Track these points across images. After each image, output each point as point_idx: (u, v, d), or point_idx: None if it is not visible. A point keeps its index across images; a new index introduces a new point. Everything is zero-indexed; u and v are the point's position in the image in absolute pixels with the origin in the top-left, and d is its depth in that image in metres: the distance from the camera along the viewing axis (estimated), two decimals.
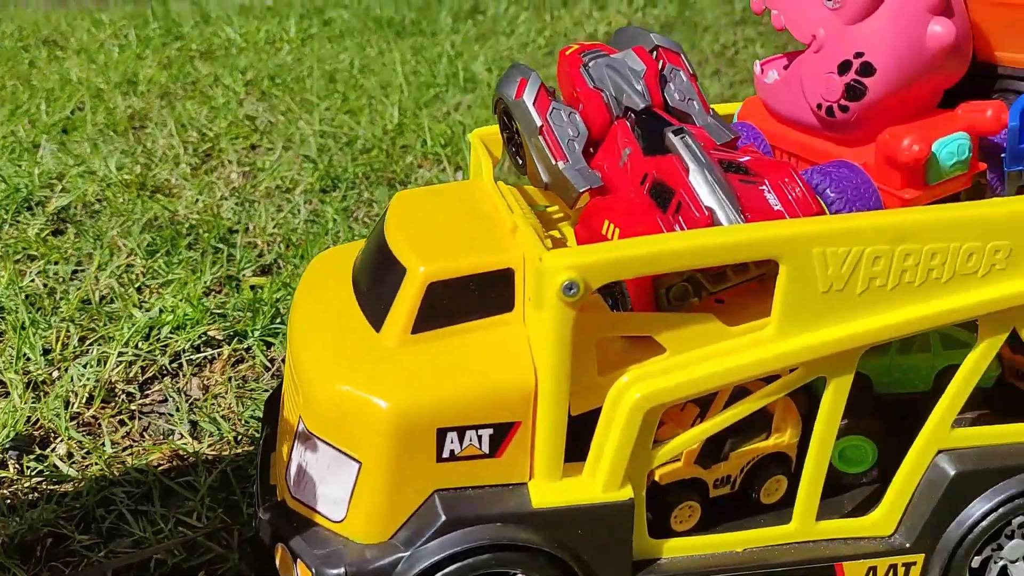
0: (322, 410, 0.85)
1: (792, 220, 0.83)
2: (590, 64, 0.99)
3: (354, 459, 0.83)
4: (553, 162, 0.95)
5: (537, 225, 0.92)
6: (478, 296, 0.86)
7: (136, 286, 1.60)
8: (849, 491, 1.01)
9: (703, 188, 0.85)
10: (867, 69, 0.89)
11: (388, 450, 0.82)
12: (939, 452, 0.94)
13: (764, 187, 0.86)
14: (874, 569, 0.95)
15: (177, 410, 1.33)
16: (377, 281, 0.91)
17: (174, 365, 1.43)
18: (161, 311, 1.51)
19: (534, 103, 0.97)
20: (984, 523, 0.94)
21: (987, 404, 1.02)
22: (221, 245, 1.73)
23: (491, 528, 0.83)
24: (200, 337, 1.47)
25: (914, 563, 0.95)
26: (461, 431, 0.82)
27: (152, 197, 1.94)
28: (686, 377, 0.84)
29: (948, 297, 0.86)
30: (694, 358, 0.85)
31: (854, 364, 0.87)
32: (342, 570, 0.82)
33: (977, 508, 0.93)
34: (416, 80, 2.71)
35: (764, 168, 0.88)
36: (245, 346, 1.47)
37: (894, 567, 0.95)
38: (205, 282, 1.60)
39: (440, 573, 0.83)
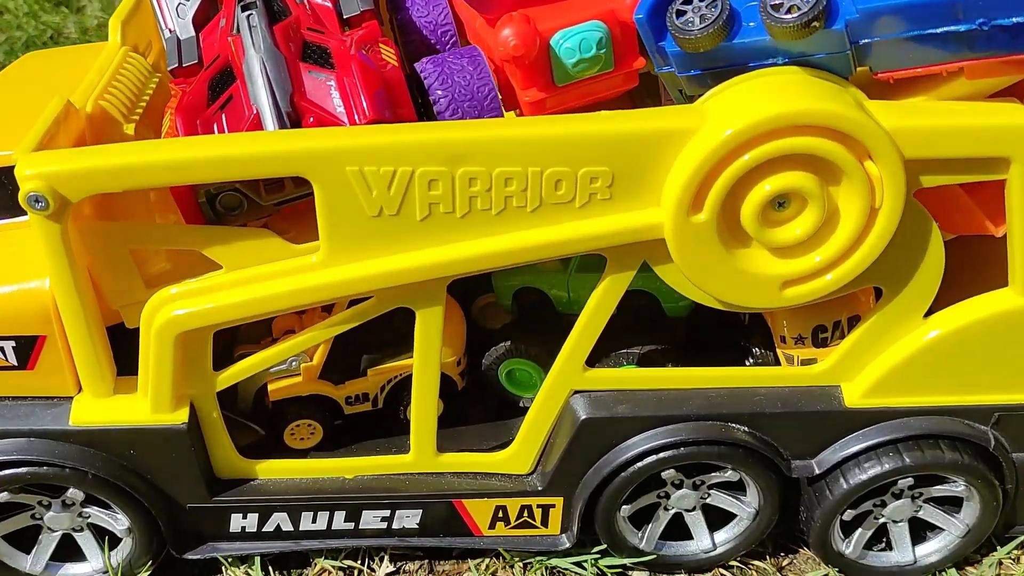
0: None
1: (320, 131, 0.69)
2: None
3: None
4: (163, 32, 0.83)
5: (118, 106, 0.81)
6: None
7: None
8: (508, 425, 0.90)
9: (255, 82, 0.72)
10: None
11: None
12: (574, 392, 0.81)
13: (331, 83, 0.72)
14: (503, 508, 0.85)
15: None
16: None
17: None
18: None
19: None
20: (625, 474, 0.82)
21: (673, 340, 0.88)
22: None
23: (21, 443, 0.78)
24: None
25: (552, 506, 0.86)
26: None
27: (56, 8, 1.87)
28: (224, 302, 0.74)
29: (540, 229, 0.71)
30: (243, 279, 0.74)
31: (441, 295, 0.75)
32: None
33: (615, 457, 0.82)
34: None
35: (342, 59, 0.73)
36: None
37: (528, 508, 0.86)
38: None
39: None
